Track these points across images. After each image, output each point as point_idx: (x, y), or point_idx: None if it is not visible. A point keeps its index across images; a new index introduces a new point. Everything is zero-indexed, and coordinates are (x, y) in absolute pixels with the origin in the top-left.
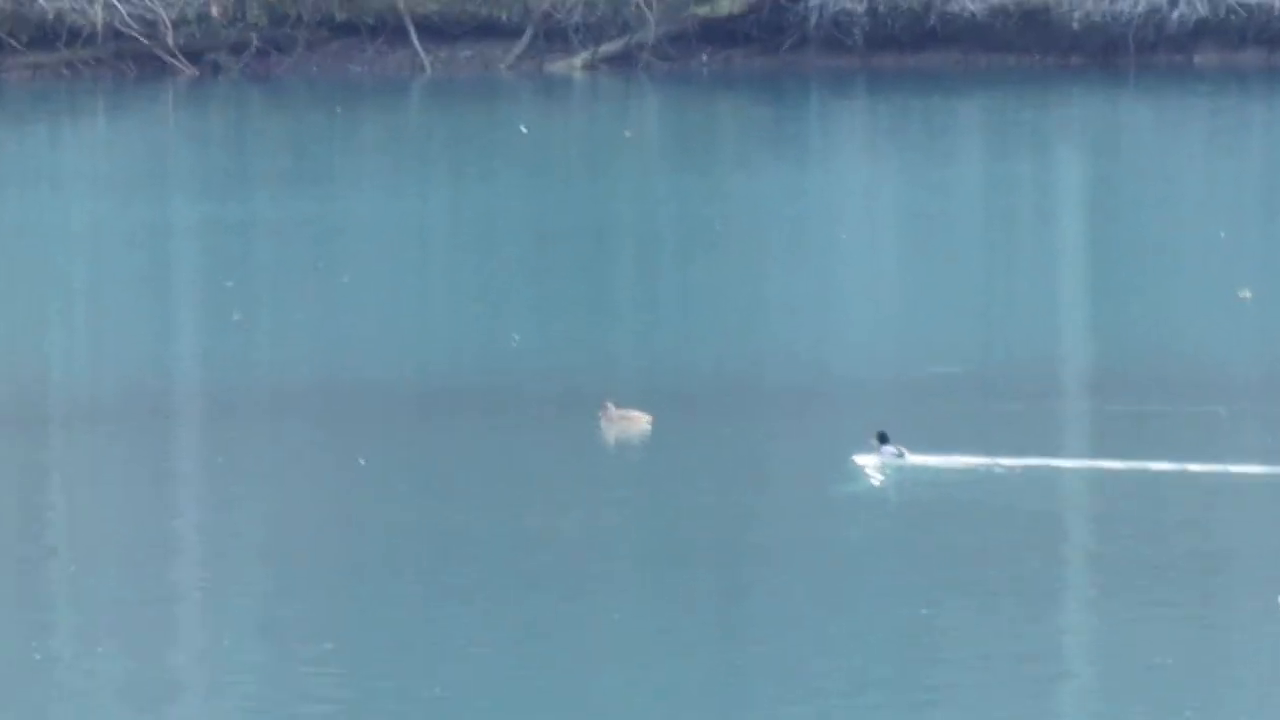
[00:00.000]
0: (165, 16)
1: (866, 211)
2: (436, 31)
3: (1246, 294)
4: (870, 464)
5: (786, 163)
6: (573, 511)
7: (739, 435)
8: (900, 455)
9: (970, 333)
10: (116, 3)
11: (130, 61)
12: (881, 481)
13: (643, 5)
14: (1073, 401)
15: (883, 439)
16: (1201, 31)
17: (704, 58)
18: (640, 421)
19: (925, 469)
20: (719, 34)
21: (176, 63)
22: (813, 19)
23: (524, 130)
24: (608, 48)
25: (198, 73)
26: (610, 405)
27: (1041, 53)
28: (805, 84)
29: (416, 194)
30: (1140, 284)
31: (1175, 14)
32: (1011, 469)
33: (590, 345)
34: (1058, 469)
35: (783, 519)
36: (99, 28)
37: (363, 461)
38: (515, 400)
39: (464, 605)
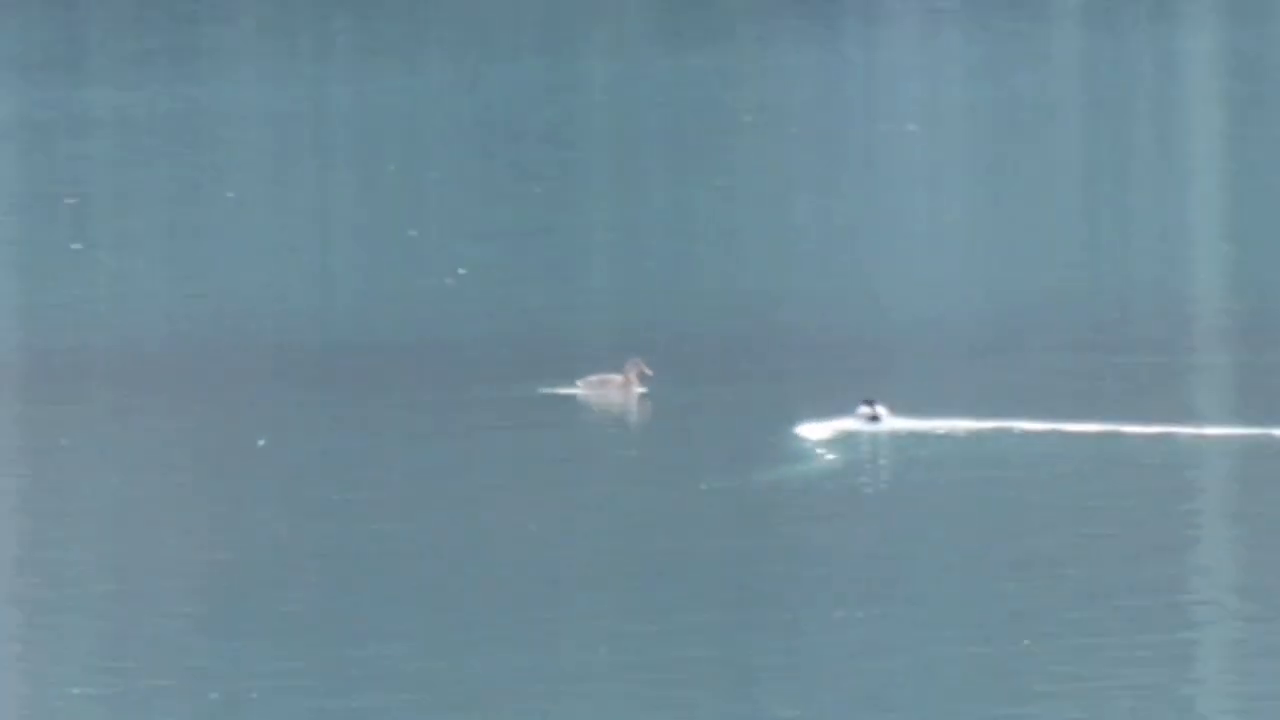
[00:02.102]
0: None
1: (929, 98)
2: None
3: None
4: (823, 434)
5: (822, 28)
6: (532, 517)
7: (728, 404)
8: (875, 419)
9: (1055, 270)
10: None
11: None
12: (832, 461)
13: None
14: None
15: (867, 403)
16: None
17: None
18: (614, 384)
19: (906, 435)
20: None
21: None
22: None
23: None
24: None
25: None
26: (639, 364)
27: None
28: None
29: (320, 79)
30: None
31: None
32: (993, 432)
33: (558, 283)
34: (1060, 433)
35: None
36: None
37: (261, 443)
38: (457, 360)
39: (399, 645)
